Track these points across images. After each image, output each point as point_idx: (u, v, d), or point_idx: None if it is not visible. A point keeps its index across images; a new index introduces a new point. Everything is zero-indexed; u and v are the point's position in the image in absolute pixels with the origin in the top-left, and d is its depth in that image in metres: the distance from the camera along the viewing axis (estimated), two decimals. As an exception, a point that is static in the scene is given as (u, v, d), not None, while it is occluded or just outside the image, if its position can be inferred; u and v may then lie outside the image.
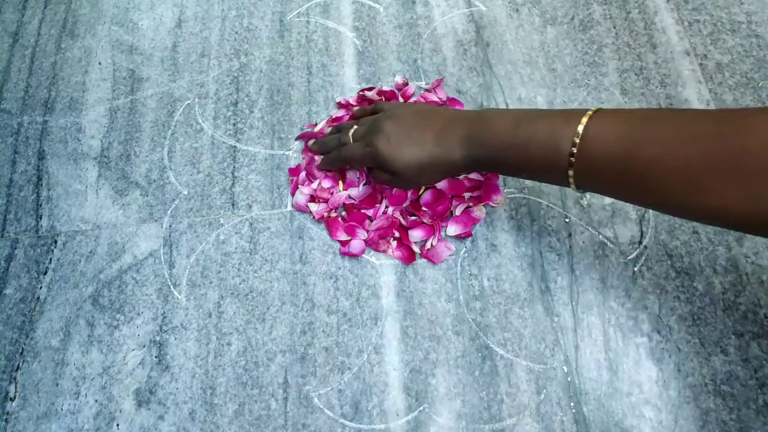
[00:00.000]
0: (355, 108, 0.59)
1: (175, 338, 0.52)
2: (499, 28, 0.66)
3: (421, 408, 0.48)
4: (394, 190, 0.54)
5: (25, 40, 0.70)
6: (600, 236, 0.53)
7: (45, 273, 0.56)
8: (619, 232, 0.53)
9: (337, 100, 0.62)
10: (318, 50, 0.66)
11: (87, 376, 0.51)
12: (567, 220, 0.54)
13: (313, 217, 0.56)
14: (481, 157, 0.44)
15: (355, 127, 0.53)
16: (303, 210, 0.56)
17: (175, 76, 0.66)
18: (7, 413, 0.50)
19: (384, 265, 0.54)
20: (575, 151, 0.38)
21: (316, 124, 0.60)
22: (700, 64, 0.61)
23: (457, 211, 0.54)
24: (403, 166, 0.47)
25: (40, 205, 0.59)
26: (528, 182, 0.56)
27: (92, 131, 0.63)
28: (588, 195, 0.55)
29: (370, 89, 0.62)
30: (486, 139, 0.43)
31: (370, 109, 0.56)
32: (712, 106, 0.59)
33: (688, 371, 0.48)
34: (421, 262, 0.53)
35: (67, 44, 0.69)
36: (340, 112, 0.61)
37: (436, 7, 0.68)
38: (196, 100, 0.64)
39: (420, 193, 0.55)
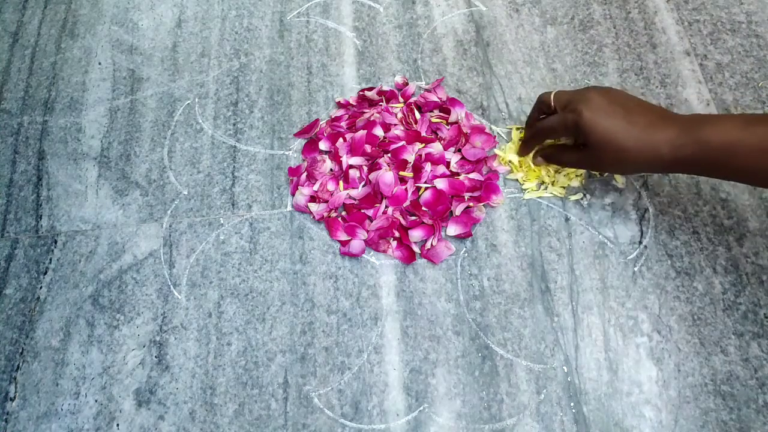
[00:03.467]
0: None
1: (175, 338, 0.52)
2: (499, 28, 0.66)
3: (421, 408, 0.48)
4: (395, 189, 0.54)
5: (25, 40, 0.70)
6: (600, 236, 0.53)
7: (45, 273, 0.56)
8: (619, 232, 0.53)
9: (337, 100, 0.62)
10: (318, 50, 0.66)
11: (87, 376, 0.51)
12: (567, 220, 0.54)
13: (313, 217, 0.56)
14: (690, 157, 0.41)
15: (558, 90, 0.50)
16: (303, 210, 0.56)
17: (175, 76, 0.66)
18: (7, 413, 0.50)
19: (384, 265, 0.54)
20: None
21: (317, 121, 0.60)
22: (700, 64, 0.61)
23: (457, 211, 0.54)
24: (603, 140, 0.43)
25: (40, 205, 0.59)
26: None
27: (92, 131, 0.63)
28: (588, 195, 0.55)
29: (370, 89, 0.62)
30: (705, 138, 0.41)
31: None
32: (712, 106, 0.59)
33: (688, 371, 0.48)
34: (421, 262, 0.53)
35: (67, 44, 0.69)
36: (340, 112, 0.61)
37: (436, 7, 0.68)
38: (196, 100, 0.64)
39: (420, 193, 0.55)
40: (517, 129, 0.58)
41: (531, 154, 0.55)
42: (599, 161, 0.47)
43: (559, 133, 0.49)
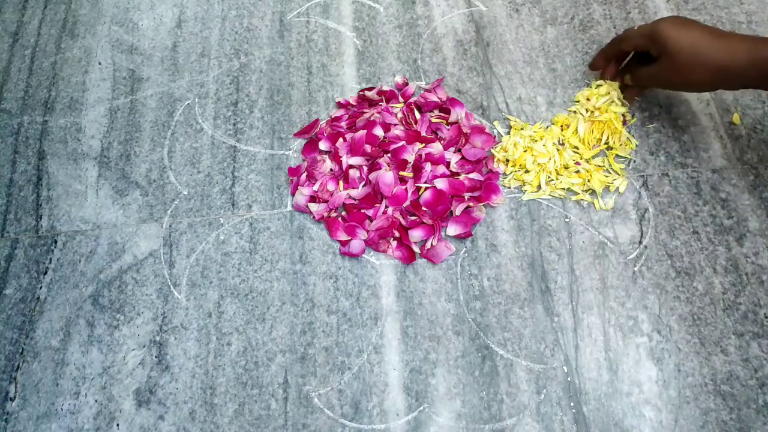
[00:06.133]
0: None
1: (175, 338, 0.52)
2: (499, 28, 0.66)
3: (421, 408, 0.48)
4: (395, 189, 0.54)
5: (25, 40, 0.70)
6: (600, 236, 0.53)
7: (45, 273, 0.56)
8: (619, 232, 0.53)
9: (337, 100, 0.62)
10: (318, 50, 0.66)
11: (87, 376, 0.51)
12: (567, 220, 0.54)
13: (313, 217, 0.56)
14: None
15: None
16: (303, 210, 0.56)
17: (175, 76, 0.66)
18: (7, 413, 0.50)
19: (384, 265, 0.54)
20: None
21: (317, 121, 0.60)
22: (700, 64, 0.61)
23: (457, 211, 0.54)
24: (678, 45, 0.46)
25: (40, 205, 0.59)
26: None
27: (92, 131, 0.63)
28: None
29: (370, 89, 0.62)
30: None
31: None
32: (711, 105, 0.59)
33: (688, 371, 0.48)
34: (421, 262, 0.53)
35: (67, 44, 0.69)
36: (340, 112, 0.61)
37: (436, 7, 0.68)
38: (196, 100, 0.64)
39: (420, 193, 0.55)
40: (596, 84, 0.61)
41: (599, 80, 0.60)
42: (673, 69, 0.49)
43: (634, 40, 0.52)
